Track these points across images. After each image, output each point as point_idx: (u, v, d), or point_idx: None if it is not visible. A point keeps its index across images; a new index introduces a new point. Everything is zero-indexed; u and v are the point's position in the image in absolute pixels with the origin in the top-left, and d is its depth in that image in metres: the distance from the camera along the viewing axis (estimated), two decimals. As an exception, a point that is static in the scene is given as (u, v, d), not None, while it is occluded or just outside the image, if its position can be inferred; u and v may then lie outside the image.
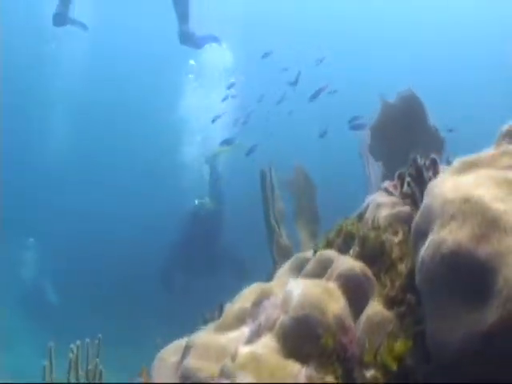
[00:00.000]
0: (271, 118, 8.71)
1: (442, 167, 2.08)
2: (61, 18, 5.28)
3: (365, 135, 3.58)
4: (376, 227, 1.81)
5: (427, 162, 1.64)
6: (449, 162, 2.33)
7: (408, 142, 2.82)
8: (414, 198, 1.66)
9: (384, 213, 1.89)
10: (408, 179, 1.67)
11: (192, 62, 13.03)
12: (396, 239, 1.78)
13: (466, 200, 1.20)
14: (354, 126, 5.17)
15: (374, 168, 3.48)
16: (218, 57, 12.75)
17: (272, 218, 3.37)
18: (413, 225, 1.37)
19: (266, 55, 8.17)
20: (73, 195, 14.26)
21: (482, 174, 1.31)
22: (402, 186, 1.72)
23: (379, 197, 2.00)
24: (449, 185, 1.29)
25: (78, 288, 9.83)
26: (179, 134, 12.57)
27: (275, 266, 3.34)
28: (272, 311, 1.56)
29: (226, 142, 8.09)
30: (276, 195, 3.41)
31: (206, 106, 12.04)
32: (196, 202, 8.25)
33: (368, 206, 2.10)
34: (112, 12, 14.77)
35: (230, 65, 13.07)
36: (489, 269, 1.11)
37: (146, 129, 15.79)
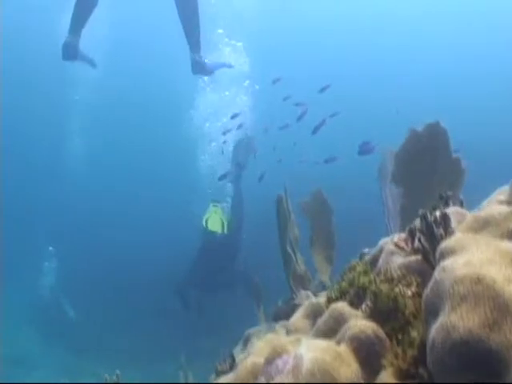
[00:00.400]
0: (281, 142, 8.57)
1: (455, 210, 2.03)
2: (71, 50, 5.12)
3: (383, 159, 3.54)
4: (389, 279, 1.78)
5: (438, 217, 1.59)
6: (461, 202, 2.28)
7: (430, 170, 2.79)
8: (425, 255, 1.62)
9: (397, 261, 1.85)
10: (418, 235, 1.63)
11: (207, 60, 12.83)
12: (409, 292, 1.75)
13: (478, 281, 1.16)
14: (363, 150, 5.16)
15: (392, 192, 3.44)
16: (233, 57, 12.63)
17: (288, 246, 3.35)
18: (423, 297, 1.34)
19: (276, 80, 8.07)
20: (92, 205, 14.38)
21: (496, 247, 1.27)
22: (412, 241, 1.68)
23: (393, 243, 1.95)
24: (460, 260, 1.26)
25: (95, 302, 9.88)
26: (194, 139, 12.49)
27: (292, 294, 3.32)
28: (283, 378, 1.54)
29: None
30: (292, 221, 3.39)
31: (222, 108, 11.97)
32: (211, 205, 8.20)
33: (382, 250, 2.06)
34: (124, 10, 14.75)
35: (246, 66, 12.96)
36: (501, 359, 1.08)
37: (161, 134, 15.82)
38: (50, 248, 12.95)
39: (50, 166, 15.88)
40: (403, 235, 1.79)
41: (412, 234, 1.66)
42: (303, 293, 3.32)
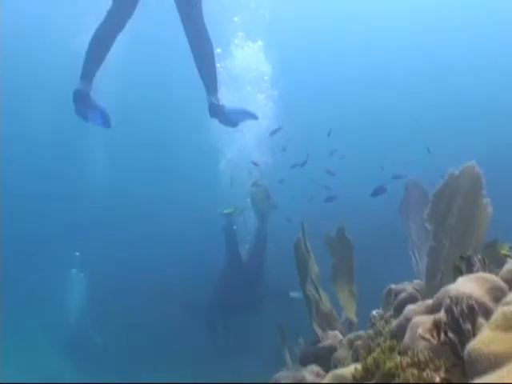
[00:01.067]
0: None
1: (479, 276, 1.96)
2: (82, 99, 4.73)
3: (407, 190, 3.49)
4: (416, 362, 1.72)
5: (465, 309, 1.53)
6: (483, 260, 2.20)
7: (460, 214, 2.77)
8: (453, 349, 1.55)
9: (424, 342, 1.79)
10: (445, 328, 1.56)
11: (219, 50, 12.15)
12: (437, 378, 1.69)
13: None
14: (376, 192, 5.38)
15: (418, 225, 3.38)
16: (250, 58, 12.34)
17: (310, 286, 3.31)
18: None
19: (274, 132, 8.05)
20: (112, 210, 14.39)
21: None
22: (438, 333, 1.62)
23: (419, 317, 1.89)
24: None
25: (119, 325, 9.87)
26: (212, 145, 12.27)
27: (316, 335, 3.26)
28: None
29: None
30: (312, 261, 3.34)
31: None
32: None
33: (408, 319, 2.00)
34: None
35: (264, 68, 12.66)
36: None
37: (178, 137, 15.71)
38: (77, 253, 12.97)
39: (71, 171, 16.06)
40: (428, 324, 1.72)
41: (438, 326, 1.60)
42: (331, 333, 3.27)
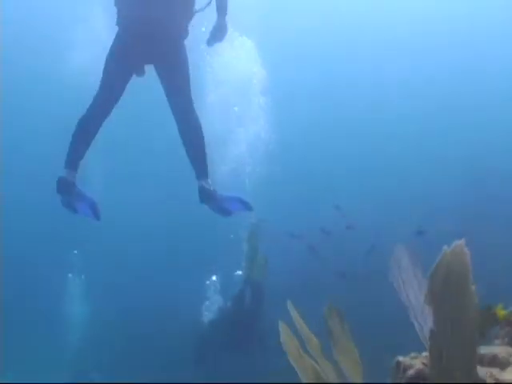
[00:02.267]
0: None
1: None
2: (67, 189, 4.51)
3: (397, 256, 3.27)
4: None
5: None
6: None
7: (453, 296, 2.56)
8: None
9: None
10: None
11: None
12: None
13: None
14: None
15: (415, 290, 3.16)
16: (244, 62, 11.86)
17: (308, 361, 3.06)
18: None
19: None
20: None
21: None
22: None
23: None
24: None
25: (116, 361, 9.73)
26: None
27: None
28: None
29: None
30: (306, 335, 3.10)
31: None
32: None
33: None
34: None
35: (258, 69, 12.21)
36: None
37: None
38: (75, 251, 12.69)
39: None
40: None
41: None
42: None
